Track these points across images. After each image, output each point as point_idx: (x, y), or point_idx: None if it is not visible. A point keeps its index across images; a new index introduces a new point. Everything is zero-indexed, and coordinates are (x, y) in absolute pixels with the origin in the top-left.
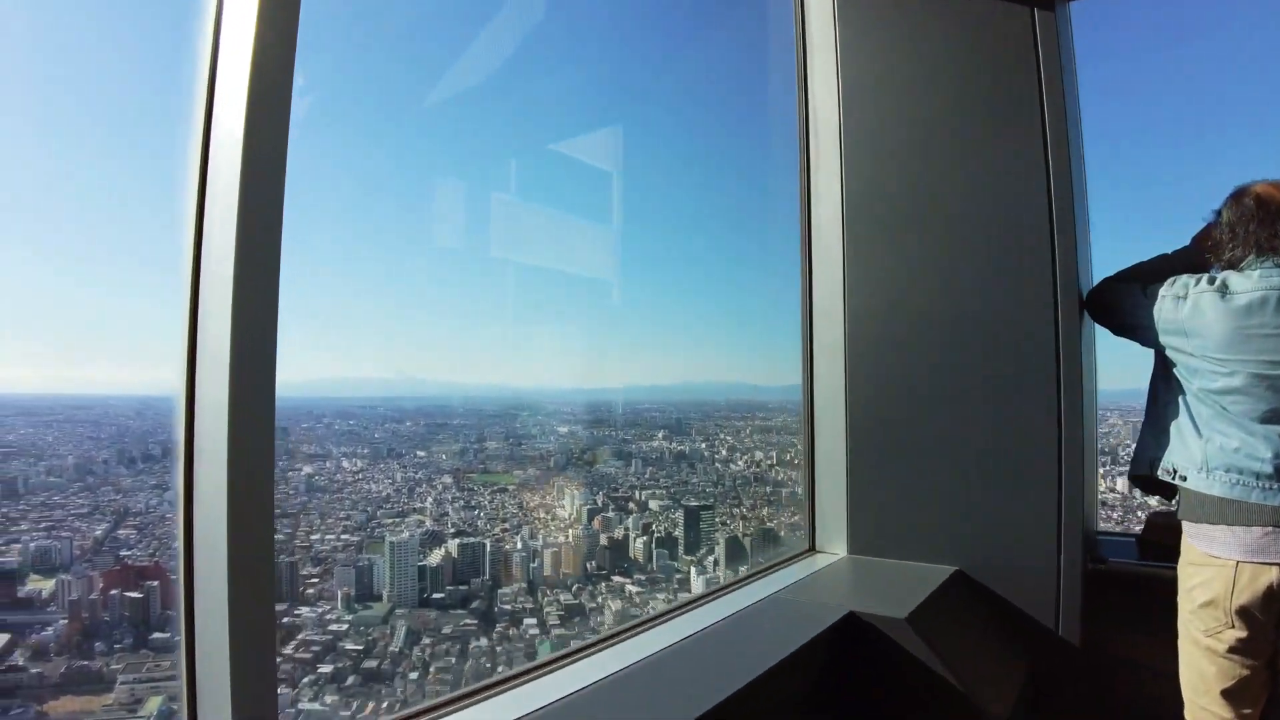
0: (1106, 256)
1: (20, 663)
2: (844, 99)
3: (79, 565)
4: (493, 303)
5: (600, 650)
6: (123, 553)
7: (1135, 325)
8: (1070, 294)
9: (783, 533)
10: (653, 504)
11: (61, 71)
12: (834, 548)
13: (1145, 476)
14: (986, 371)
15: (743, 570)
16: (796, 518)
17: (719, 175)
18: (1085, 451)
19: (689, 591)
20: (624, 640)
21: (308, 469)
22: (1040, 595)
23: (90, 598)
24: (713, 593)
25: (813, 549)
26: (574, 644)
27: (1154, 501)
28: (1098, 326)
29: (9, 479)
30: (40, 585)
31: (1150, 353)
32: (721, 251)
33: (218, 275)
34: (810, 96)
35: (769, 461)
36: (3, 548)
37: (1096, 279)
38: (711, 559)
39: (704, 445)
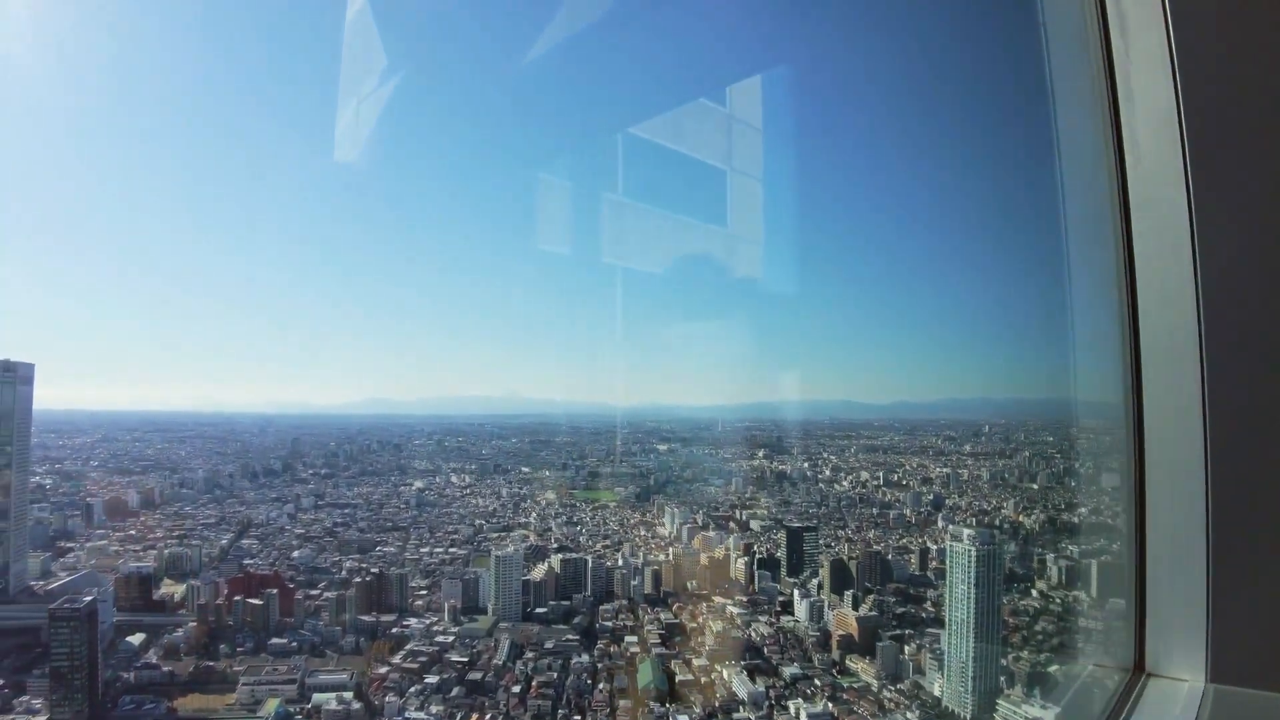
0: None
1: (154, 660)
2: None
3: (207, 572)
4: (596, 323)
5: None
6: (245, 561)
7: None
8: None
9: (890, 555)
10: (754, 524)
11: None
12: (1181, 670)
13: None
14: None
15: (849, 594)
16: (905, 540)
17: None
18: None
19: (792, 615)
20: None
21: (418, 484)
22: None
23: (216, 603)
24: None
25: (1142, 669)
26: None
27: None
28: None
29: (147, 490)
30: (172, 589)
31: None
32: (844, 249)
33: None
34: None
35: (875, 482)
36: (141, 553)
37: None
38: (815, 582)
39: (806, 464)
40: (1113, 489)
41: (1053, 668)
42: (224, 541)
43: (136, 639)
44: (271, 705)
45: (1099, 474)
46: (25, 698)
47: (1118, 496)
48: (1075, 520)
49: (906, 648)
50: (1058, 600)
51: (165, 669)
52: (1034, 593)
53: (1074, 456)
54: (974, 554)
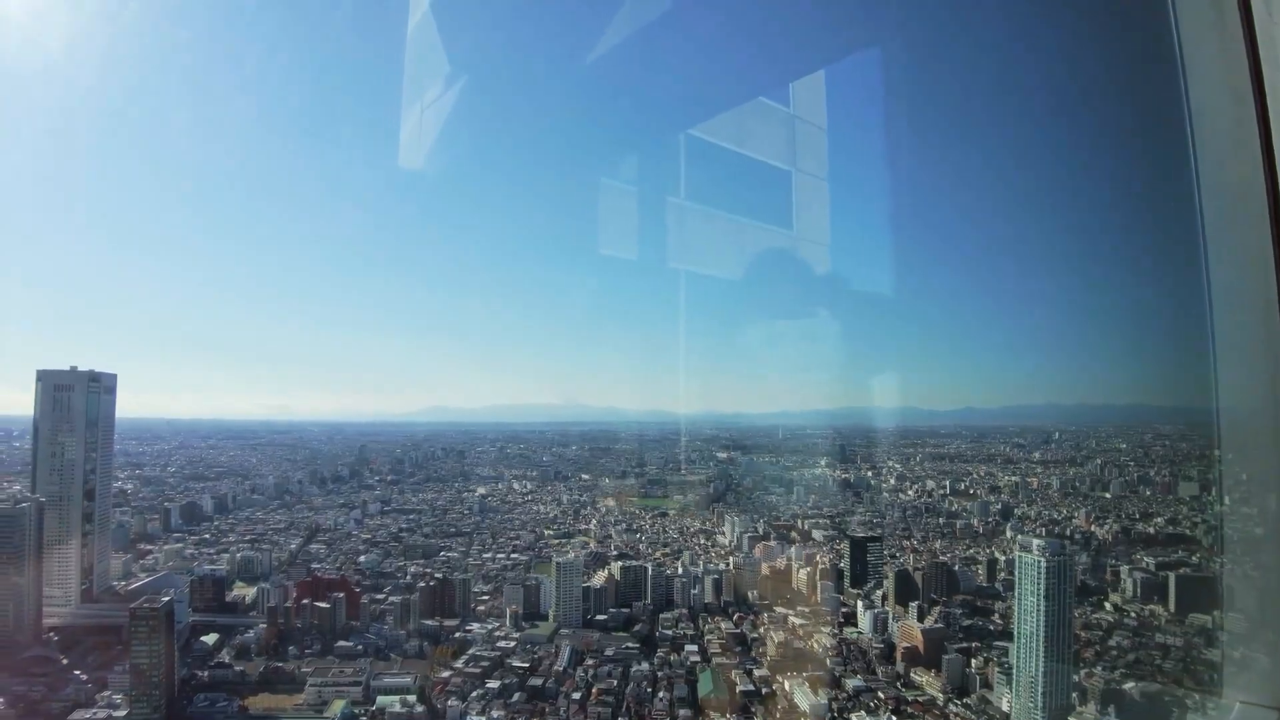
0: None
1: (226, 660)
2: None
3: (277, 575)
4: (658, 330)
5: None
6: (314, 565)
7: None
8: None
9: (956, 566)
10: (816, 533)
11: None
12: None
13: None
14: None
15: (914, 605)
16: (972, 550)
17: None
18: None
19: (855, 626)
20: None
21: (481, 490)
22: None
23: (285, 605)
24: None
25: None
26: None
27: None
28: None
29: (220, 495)
30: (244, 592)
31: None
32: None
33: None
34: None
35: (941, 490)
36: (215, 557)
37: None
38: (879, 593)
39: (870, 472)
40: (1244, 501)
41: (1161, 696)
42: (293, 546)
43: (210, 639)
44: (337, 706)
45: (1233, 485)
46: (107, 692)
47: (1255, 509)
48: (1185, 533)
49: (973, 661)
50: (1158, 622)
51: (237, 668)
52: (1108, 605)
53: (1173, 464)
54: (1044, 565)
